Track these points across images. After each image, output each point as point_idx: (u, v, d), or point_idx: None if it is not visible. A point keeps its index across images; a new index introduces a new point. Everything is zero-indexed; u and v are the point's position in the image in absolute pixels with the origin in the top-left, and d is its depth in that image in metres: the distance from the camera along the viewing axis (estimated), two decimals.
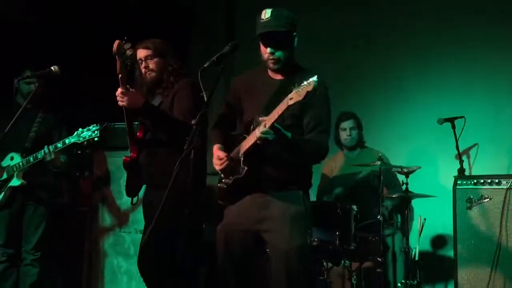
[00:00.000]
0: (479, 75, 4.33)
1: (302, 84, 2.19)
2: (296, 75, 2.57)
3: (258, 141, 2.37)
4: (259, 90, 2.65)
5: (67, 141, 3.56)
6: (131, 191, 3.26)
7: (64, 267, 4.59)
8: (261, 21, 2.52)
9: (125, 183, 3.32)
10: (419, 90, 4.53)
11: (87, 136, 3.48)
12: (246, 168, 2.46)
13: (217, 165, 2.61)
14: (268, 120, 2.33)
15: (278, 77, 2.64)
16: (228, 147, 2.67)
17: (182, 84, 3.08)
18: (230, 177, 2.57)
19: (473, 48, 4.37)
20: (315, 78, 2.18)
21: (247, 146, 2.47)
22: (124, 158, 3.21)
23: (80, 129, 3.52)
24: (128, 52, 2.93)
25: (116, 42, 2.86)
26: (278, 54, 2.55)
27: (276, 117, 2.30)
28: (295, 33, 2.58)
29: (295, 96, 2.21)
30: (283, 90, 2.52)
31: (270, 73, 2.66)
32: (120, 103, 2.94)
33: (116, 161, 4.49)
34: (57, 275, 4.53)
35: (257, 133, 2.36)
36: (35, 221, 3.86)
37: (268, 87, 2.62)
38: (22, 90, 3.83)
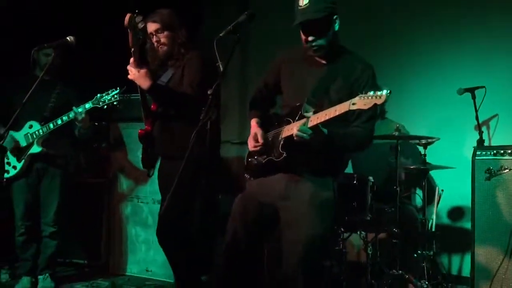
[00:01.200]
0: (501, 44, 4.21)
1: (371, 94, 2.10)
2: (342, 60, 2.50)
3: (294, 137, 2.30)
4: (303, 74, 2.55)
5: (87, 105, 3.59)
6: (148, 163, 3.29)
7: (84, 237, 4.68)
8: (299, 8, 2.40)
9: (141, 156, 3.34)
10: (438, 60, 4.44)
11: (106, 100, 3.51)
12: (284, 154, 2.41)
13: (252, 146, 2.55)
14: (314, 119, 2.26)
15: (322, 61, 2.53)
16: (264, 125, 2.62)
17: (191, 56, 3.08)
18: (264, 157, 2.53)
19: (495, 16, 4.25)
20: (386, 92, 2.08)
21: (287, 134, 2.41)
22: (139, 131, 3.23)
23: (99, 94, 3.55)
24: (140, 25, 2.91)
25: (127, 16, 2.85)
26: (320, 42, 2.44)
27: (327, 118, 2.23)
28: (336, 16, 2.46)
29: (359, 103, 2.12)
30: (329, 77, 2.47)
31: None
32: (129, 76, 2.97)
33: (133, 133, 4.51)
34: (78, 245, 4.64)
35: (294, 130, 2.30)
36: (52, 193, 3.93)
37: (312, 71, 2.52)
38: (40, 62, 3.86)
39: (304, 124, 2.30)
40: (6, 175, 3.83)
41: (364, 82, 2.43)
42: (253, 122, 2.62)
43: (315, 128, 2.29)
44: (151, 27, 3.11)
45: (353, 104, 2.14)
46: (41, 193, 3.93)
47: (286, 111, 2.57)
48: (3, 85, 3.92)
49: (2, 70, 4.05)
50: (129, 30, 2.87)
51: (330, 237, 3.27)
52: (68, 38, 3.04)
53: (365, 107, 2.12)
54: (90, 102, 3.58)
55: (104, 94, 3.53)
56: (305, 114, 2.34)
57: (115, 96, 3.49)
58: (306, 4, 2.38)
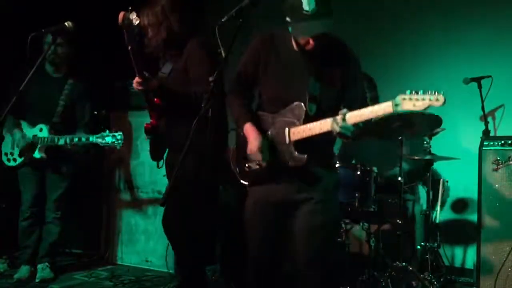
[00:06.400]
0: (508, 33, 4.15)
1: (425, 95, 1.99)
2: (330, 50, 2.37)
3: (336, 136, 2.24)
4: (292, 66, 2.40)
5: (91, 138, 3.68)
6: (156, 155, 3.23)
7: (83, 227, 4.65)
8: (304, 13, 2.21)
9: (149, 149, 3.28)
10: (444, 48, 4.37)
11: (109, 142, 3.61)
12: (306, 157, 2.30)
13: (258, 159, 2.37)
14: (353, 118, 2.16)
15: (308, 50, 2.34)
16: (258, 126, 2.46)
17: (192, 47, 2.95)
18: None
19: (502, 5, 4.18)
20: (443, 95, 1.99)
21: (304, 135, 2.30)
22: (146, 125, 3.17)
23: (107, 131, 3.63)
24: (135, 22, 2.82)
25: (121, 14, 2.76)
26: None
27: (362, 119, 2.14)
28: None
29: (406, 104, 2.01)
30: (322, 69, 2.36)
31: (297, 45, 2.37)
32: (138, 88, 2.94)
33: (134, 121, 4.47)
34: (77, 234, 4.61)
35: (336, 127, 2.18)
36: (57, 179, 3.97)
37: (302, 63, 2.37)
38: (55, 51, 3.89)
39: (343, 120, 2.18)
40: (8, 163, 3.95)
41: (355, 72, 2.41)
42: (250, 127, 2.42)
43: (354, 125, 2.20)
44: (143, 20, 3.02)
45: (396, 105, 2.04)
46: (47, 179, 3.97)
47: (281, 108, 2.39)
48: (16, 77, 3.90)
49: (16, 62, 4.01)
50: (124, 29, 2.80)
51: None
52: (66, 23, 2.96)
53: (416, 109, 2.01)
54: (95, 136, 3.65)
55: (110, 135, 3.60)
56: (341, 112, 2.20)
57: (120, 141, 3.59)
58: (313, 10, 2.19)
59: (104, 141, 3.62)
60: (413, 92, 2.01)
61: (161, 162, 3.23)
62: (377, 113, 2.12)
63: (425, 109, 2.01)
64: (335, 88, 2.37)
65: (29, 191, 3.94)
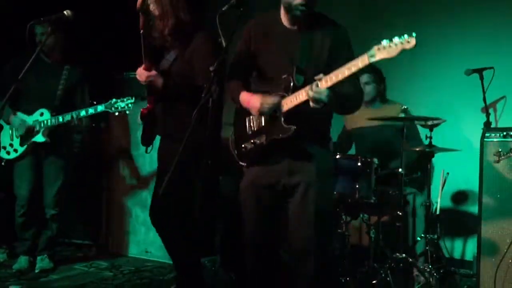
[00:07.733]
0: (511, 24, 4.11)
1: (396, 41, 2.00)
2: (318, 25, 2.42)
3: (311, 102, 2.22)
4: (281, 43, 2.46)
5: (99, 108, 3.61)
6: (147, 140, 3.22)
7: (83, 218, 4.64)
8: None
9: (141, 133, 3.27)
10: (446, 39, 4.34)
11: (119, 107, 3.52)
12: (295, 127, 2.32)
13: (267, 104, 2.38)
14: (327, 80, 2.19)
15: (296, 26, 2.45)
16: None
17: (199, 40, 2.95)
18: (263, 138, 2.43)
19: None
20: (414, 35, 1.99)
21: (291, 105, 2.33)
22: (142, 110, 3.16)
23: (114, 99, 3.55)
24: (152, 8, 2.84)
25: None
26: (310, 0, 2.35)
27: (341, 78, 2.15)
28: None
29: (380, 54, 2.03)
30: (309, 43, 2.40)
31: (286, 23, 2.47)
32: (142, 80, 2.95)
33: (133, 113, 4.44)
34: (77, 225, 4.61)
35: (310, 93, 2.21)
36: (55, 174, 3.92)
37: (291, 39, 2.44)
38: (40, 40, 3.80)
39: (316, 85, 2.21)
40: (7, 156, 3.88)
41: (342, 43, 2.43)
42: (246, 94, 2.48)
43: (330, 89, 2.22)
44: (152, 7, 3.00)
45: (372, 56, 2.06)
46: (44, 173, 3.92)
47: (272, 85, 2.44)
48: (15, 66, 3.87)
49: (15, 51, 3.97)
50: (140, 14, 2.80)
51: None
52: (65, 12, 2.93)
53: (390, 56, 2.02)
54: (103, 105, 3.58)
55: (118, 100, 3.53)
56: (315, 77, 2.23)
57: (129, 105, 3.50)
58: None
59: (113, 109, 3.52)
60: (387, 41, 2.03)
61: (149, 148, 3.23)
62: (353, 68, 2.13)
63: (398, 53, 2.01)
64: (324, 59, 2.40)
65: (26, 186, 3.87)
